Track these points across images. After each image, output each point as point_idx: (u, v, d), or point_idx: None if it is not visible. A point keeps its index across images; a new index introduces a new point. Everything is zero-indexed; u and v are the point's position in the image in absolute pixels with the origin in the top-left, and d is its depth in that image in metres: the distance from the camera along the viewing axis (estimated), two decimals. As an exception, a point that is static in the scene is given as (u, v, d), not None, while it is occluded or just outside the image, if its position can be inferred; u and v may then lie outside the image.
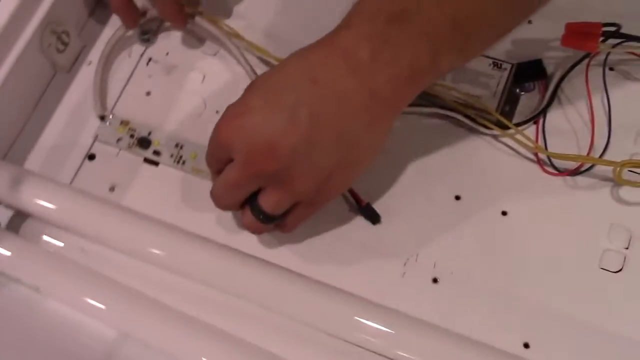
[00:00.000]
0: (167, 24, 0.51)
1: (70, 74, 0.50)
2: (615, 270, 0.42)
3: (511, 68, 0.46)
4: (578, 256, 0.43)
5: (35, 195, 0.44)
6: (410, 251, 0.44)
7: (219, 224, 0.45)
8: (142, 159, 0.47)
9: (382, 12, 0.36)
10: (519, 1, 0.36)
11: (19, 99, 0.48)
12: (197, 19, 0.49)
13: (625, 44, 0.45)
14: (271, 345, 0.41)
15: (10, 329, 0.43)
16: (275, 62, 0.48)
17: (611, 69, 0.47)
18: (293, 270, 0.43)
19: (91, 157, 0.47)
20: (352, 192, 0.44)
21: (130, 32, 0.50)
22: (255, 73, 0.48)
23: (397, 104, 0.38)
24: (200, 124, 0.48)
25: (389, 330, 0.40)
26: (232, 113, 0.38)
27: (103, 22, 0.52)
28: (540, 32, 0.48)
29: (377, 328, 0.40)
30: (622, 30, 0.44)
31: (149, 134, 0.47)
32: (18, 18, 0.44)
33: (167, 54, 0.51)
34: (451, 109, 0.46)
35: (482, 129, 0.46)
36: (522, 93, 0.47)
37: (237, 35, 0.49)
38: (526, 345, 0.41)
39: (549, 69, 0.47)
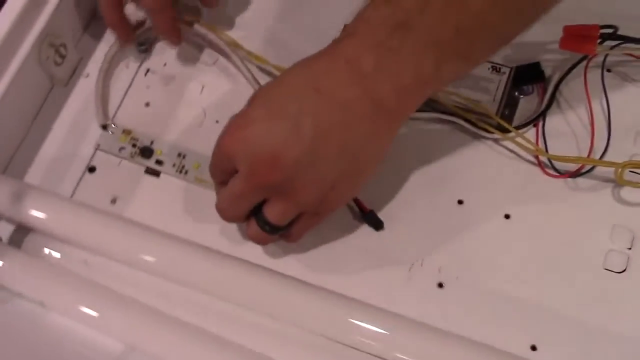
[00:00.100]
0: (165, 34, 0.51)
1: (68, 86, 0.50)
2: (619, 271, 0.43)
3: (510, 72, 0.47)
4: (582, 257, 0.43)
5: (36, 209, 0.44)
6: (414, 257, 0.44)
7: (222, 235, 0.45)
8: (143, 170, 0.47)
9: (386, 21, 0.36)
10: (522, 8, 0.36)
11: (18, 113, 0.47)
12: (197, 26, 0.49)
13: (623, 45, 0.45)
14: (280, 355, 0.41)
15: (14, 345, 0.43)
16: (275, 71, 0.48)
17: (608, 70, 0.47)
18: (298, 279, 0.43)
19: (91, 169, 0.47)
20: (355, 200, 0.44)
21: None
22: (257, 81, 0.48)
23: (401, 113, 0.38)
24: (201, 133, 0.48)
25: (386, 333, 0.41)
26: (236, 124, 0.38)
27: (100, 33, 0.51)
28: (537, 35, 0.48)
29: (375, 331, 0.41)
30: (619, 32, 0.44)
31: (152, 143, 0.47)
32: (16, 31, 0.44)
33: (165, 64, 0.50)
34: (452, 114, 0.46)
35: (483, 133, 0.46)
36: (521, 96, 0.47)
37: (236, 45, 0.49)
38: (533, 348, 0.41)
39: (547, 71, 0.48)
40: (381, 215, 0.44)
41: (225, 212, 0.41)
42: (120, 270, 0.44)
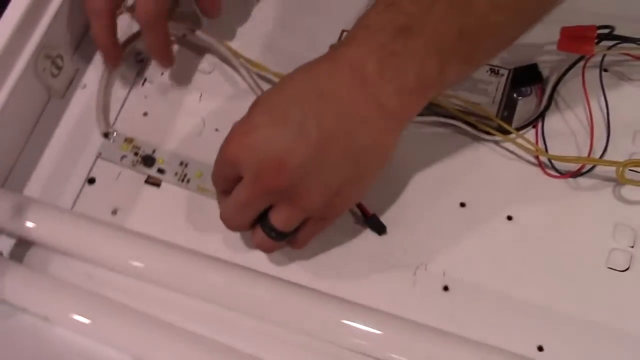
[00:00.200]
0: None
1: (65, 98, 0.49)
2: (622, 269, 0.43)
3: (508, 73, 0.47)
4: (585, 257, 0.43)
5: (37, 223, 0.44)
6: (418, 260, 0.44)
7: (226, 243, 0.44)
8: (143, 180, 0.47)
9: (388, 25, 0.36)
10: (524, 10, 0.37)
11: (16, 126, 0.47)
12: (198, 32, 0.49)
13: (620, 45, 0.45)
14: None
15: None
16: (275, 78, 0.48)
17: (605, 70, 0.48)
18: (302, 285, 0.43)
19: (91, 180, 0.47)
20: (358, 204, 0.44)
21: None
22: (259, 86, 0.48)
23: (404, 116, 0.38)
24: (201, 142, 0.47)
25: (380, 333, 0.41)
26: (239, 131, 0.38)
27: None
28: (534, 37, 0.48)
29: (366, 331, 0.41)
30: (615, 32, 0.44)
31: (154, 152, 0.47)
32: (13, 43, 0.44)
33: (162, 73, 0.50)
34: (452, 117, 0.46)
35: (483, 135, 0.46)
36: (519, 98, 0.48)
37: (235, 53, 0.49)
38: (540, 348, 0.41)
39: (545, 72, 0.48)
40: (383, 219, 0.44)
41: (231, 221, 0.40)
42: (125, 283, 0.43)
